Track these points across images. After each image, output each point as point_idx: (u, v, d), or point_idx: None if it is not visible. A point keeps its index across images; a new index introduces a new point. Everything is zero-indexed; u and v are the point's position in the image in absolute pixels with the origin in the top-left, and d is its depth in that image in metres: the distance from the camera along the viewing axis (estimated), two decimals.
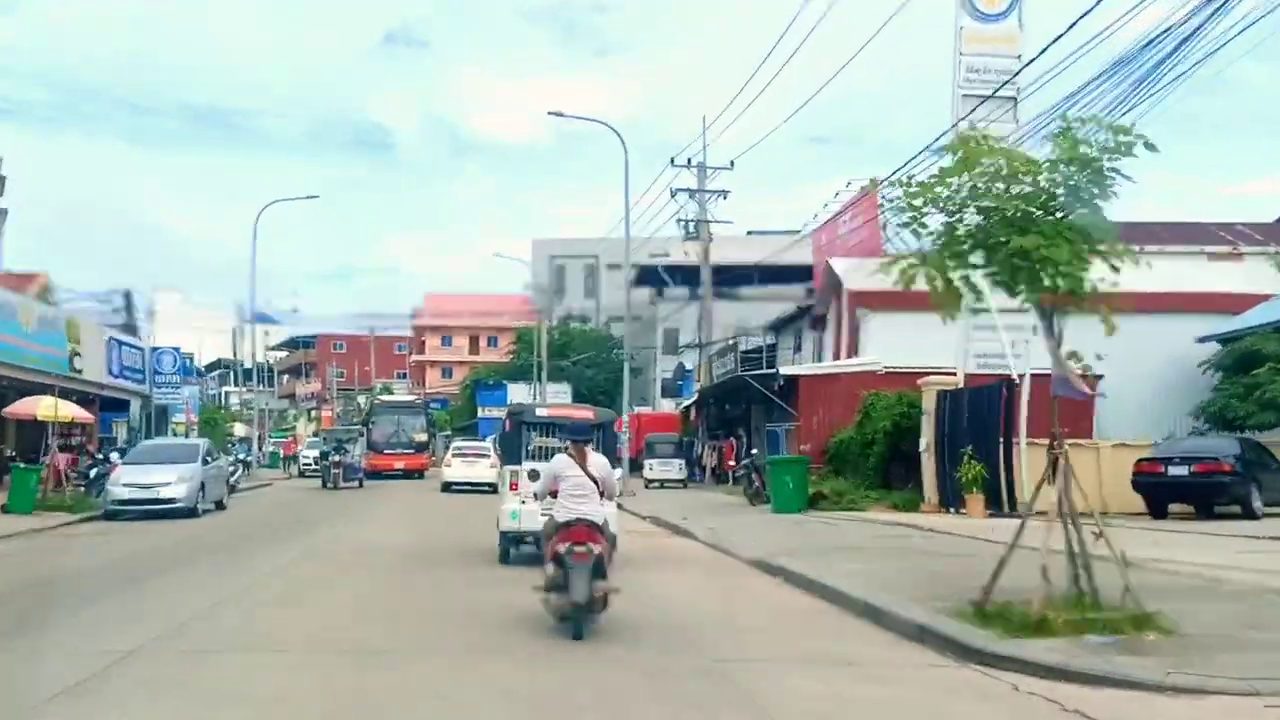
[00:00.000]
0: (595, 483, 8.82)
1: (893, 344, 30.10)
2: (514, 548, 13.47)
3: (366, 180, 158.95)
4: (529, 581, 9.01)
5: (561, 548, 8.23)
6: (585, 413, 13.92)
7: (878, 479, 24.82)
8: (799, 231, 42.84)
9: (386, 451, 43.38)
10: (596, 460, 9.08)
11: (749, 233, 58.97)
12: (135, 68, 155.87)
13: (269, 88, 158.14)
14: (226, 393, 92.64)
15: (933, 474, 22.29)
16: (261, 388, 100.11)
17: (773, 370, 30.36)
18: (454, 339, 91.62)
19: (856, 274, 31.90)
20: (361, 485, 35.11)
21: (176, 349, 39.90)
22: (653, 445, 34.06)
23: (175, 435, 41.20)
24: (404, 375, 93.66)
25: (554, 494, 8.87)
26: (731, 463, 27.23)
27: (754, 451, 25.82)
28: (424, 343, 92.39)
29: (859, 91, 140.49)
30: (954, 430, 21.77)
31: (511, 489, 13.26)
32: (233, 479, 29.94)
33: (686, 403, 38.41)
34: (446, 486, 32.98)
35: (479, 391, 65.38)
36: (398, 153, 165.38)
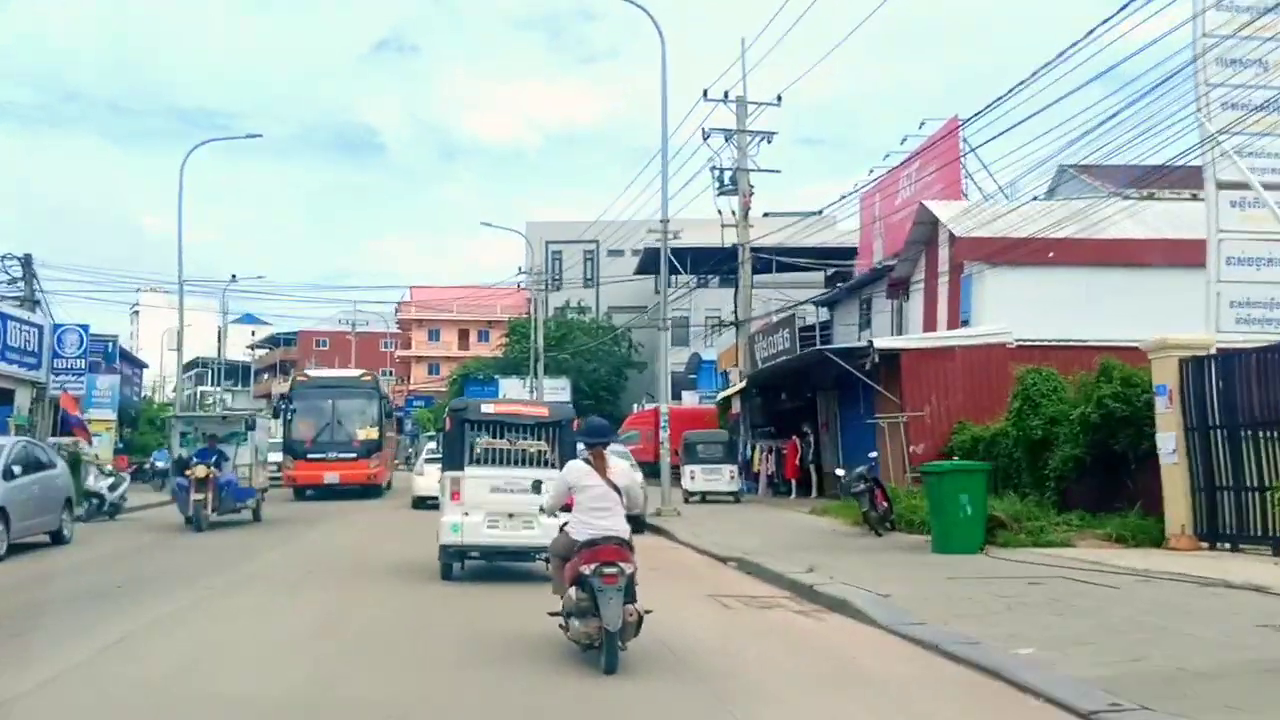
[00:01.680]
0: (618, 493, 7.32)
1: (1014, 308, 21.44)
2: (457, 563, 11.57)
3: (356, 184, 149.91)
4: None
5: (587, 569, 6.93)
6: (538, 409, 12.40)
7: (1056, 494, 15.91)
8: (819, 212, 33.81)
9: (313, 456, 27.18)
10: (618, 466, 7.54)
11: (765, 214, 50.30)
12: (123, 69, 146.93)
13: (259, 91, 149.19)
14: (202, 392, 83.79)
15: (1184, 489, 13.37)
16: (237, 386, 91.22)
17: (864, 344, 21.36)
18: (442, 333, 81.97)
19: (964, 219, 23.06)
20: (258, 518, 20.13)
21: (84, 327, 30.31)
22: (694, 447, 24.93)
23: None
24: (389, 372, 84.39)
25: (567, 507, 7.52)
26: (843, 472, 17.79)
27: (872, 455, 16.98)
28: (410, 338, 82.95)
29: (849, 95, 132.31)
30: (1229, 420, 12.88)
31: (452, 498, 11.18)
32: (114, 495, 20.83)
33: (726, 393, 29.29)
34: (419, 502, 23.56)
35: (468, 387, 56.07)
36: (387, 156, 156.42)
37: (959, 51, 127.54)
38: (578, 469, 7.54)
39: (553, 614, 7.41)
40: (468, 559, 11.52)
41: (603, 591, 6.82)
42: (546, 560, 8.39)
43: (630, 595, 7.00)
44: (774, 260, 44.59)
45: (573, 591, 7.07)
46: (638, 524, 18.87)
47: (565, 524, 7.60)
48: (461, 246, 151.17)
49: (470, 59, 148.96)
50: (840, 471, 16.30)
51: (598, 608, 6.82)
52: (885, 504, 15.76)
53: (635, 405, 53.59)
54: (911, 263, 25.22)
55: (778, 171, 30.91)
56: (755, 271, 51.85)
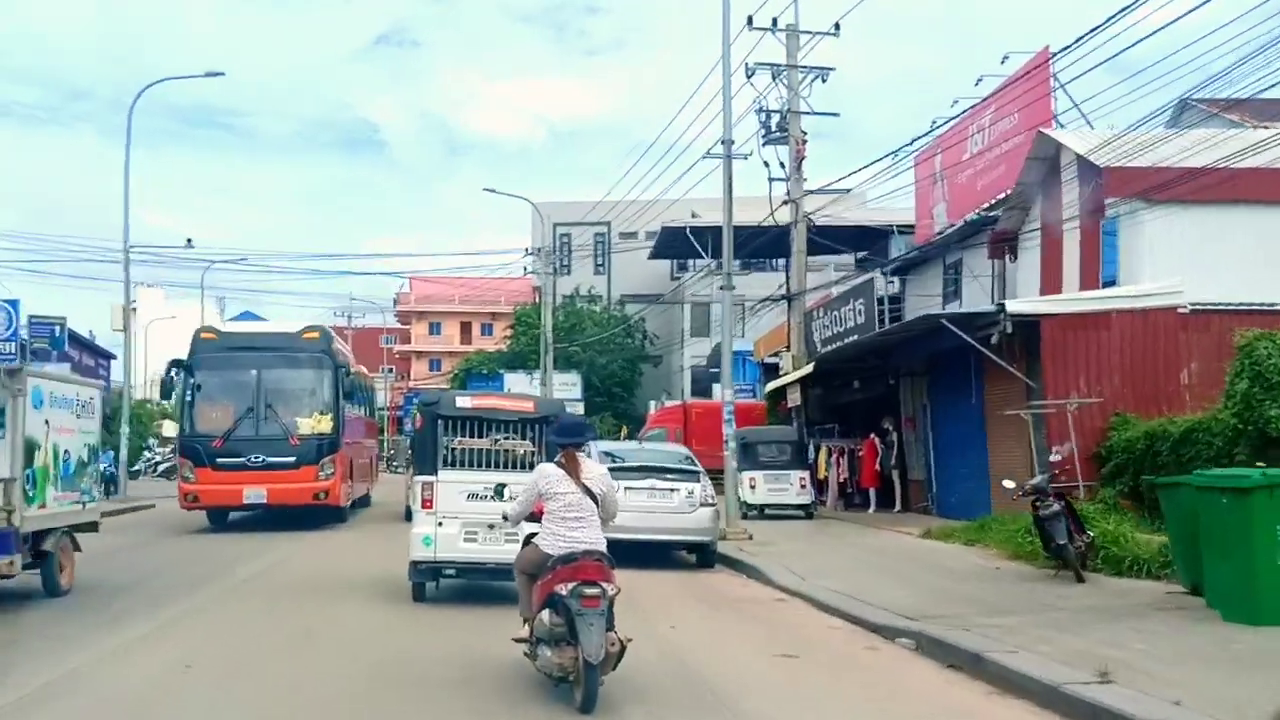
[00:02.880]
0: (594, 500, 6.32)
1: (1179, 261, 16.30)
2: (431, 581, 9.88)
3: (359, 181, 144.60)
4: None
5: (563, 589, 5.93)
6: (522, 403, 10.53)
7: None
8: (849, 190, 28.44)
9: (225, 462, 17.36)
10: (594, 470, 6.55)
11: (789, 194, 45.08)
12: (123, 67, 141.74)
13: (261, 88, 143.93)
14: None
15: None
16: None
17: (991, 309, 16.01)
18: (443, 326, 76.43)
19: (1105, 151, 17.76)
20: (54, 588, 10.13)
21: (13, 303, 24.84)
22: (753, 449, 19.07)
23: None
24: (390, 369, 79.29)
25: (535, 516, 6.53)
26: (1011, 484, 11.99)
27: (1055, 457, 11.74)
28: (410, 332, 77.58)
29: (847, 88, 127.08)
30: None
31: (424, 506, 9.64)
32: None
33: (780, 381, 23.92)
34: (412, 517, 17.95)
35: (470, 383, 50.97)
36: (390, 153, 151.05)
37: (964, 40, 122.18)
38: (549, 472, 6.46)
39: (517, 639, 6.43)
40: (443, 577, 9.95)
41: (582, 616, 5.79)
42: None
43: (611, 622, 5.93)
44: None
45: (545, 614, 6.01)
46: (705, 555, 13.77)
47: (531, 535, 6.59)
48: (466, 243, 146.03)
49: (472, 54, 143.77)
50: (1009, 484, 11.07)
51: (575, 635, 5.81)
52: (1087, 535, 10.49)
53: (653, 402, 48.72)
54: (1021, 212, 19.94)
55: (836, 115, 25.34)
56: (778, 254, 46.64)
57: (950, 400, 18.80)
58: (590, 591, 5.86)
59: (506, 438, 9.71)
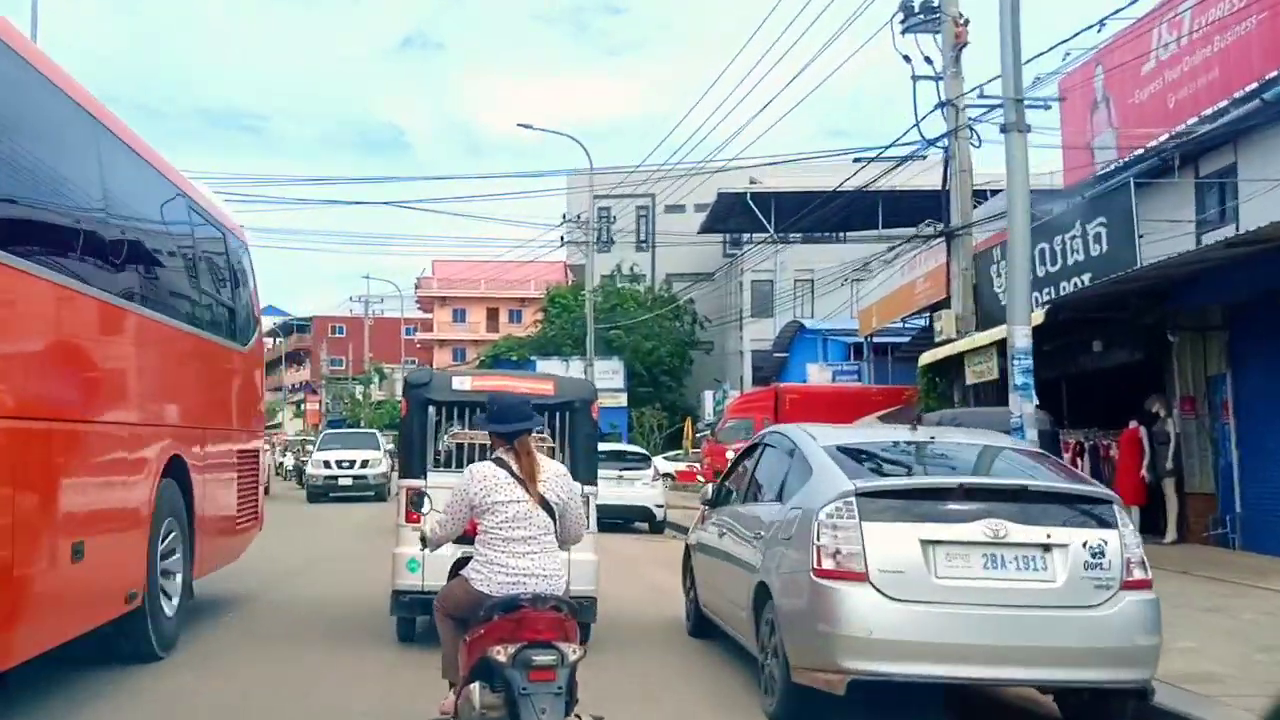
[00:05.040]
0: (550, 514, 4.26)
1: None
2: (422, 615, 6.84)
3: (382, 182, 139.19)
4: None
5: (500, 654, 3.79)
6: (538, 384, 7.58)
7: None
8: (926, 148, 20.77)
9: None
10: (551, 471, 4.37)
11: (856, 159, 37.73)
12: (150, 71, 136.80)
13: (286, 90, 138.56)
14: None
15: None
16: None
17: None
18: (469, 313, 69.40)
19: None
20: None
21: None
22: None
23: None
24: (412, 361, 72.69)
25: (468, 536, 4.39)
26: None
27: None
28: (433, 321, 70.69)
29: (870, 88, 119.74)
30: None
31: (408, 519, 6.95)
32: None
33: (945, 351, 16.03)
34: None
35: (499, 370, 44.16)
36: (413, 155, 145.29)
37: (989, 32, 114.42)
38: (483, 475, 4.25)
39: None
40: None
41: (528, 696, 3.65)
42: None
43: (572, 696, 3.82)
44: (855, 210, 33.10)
45: (475, 690, 3.82)
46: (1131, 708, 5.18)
47: (460, 560, 4.62)
48: (491, 228, 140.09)
49: (494, 55, 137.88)
50: None
51: None
52: None
53: (707, 393, 41.84)
54: None
55: None
56: (847, 226, 38.99)
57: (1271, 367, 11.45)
58: (541, 659, 3.71)
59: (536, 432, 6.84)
